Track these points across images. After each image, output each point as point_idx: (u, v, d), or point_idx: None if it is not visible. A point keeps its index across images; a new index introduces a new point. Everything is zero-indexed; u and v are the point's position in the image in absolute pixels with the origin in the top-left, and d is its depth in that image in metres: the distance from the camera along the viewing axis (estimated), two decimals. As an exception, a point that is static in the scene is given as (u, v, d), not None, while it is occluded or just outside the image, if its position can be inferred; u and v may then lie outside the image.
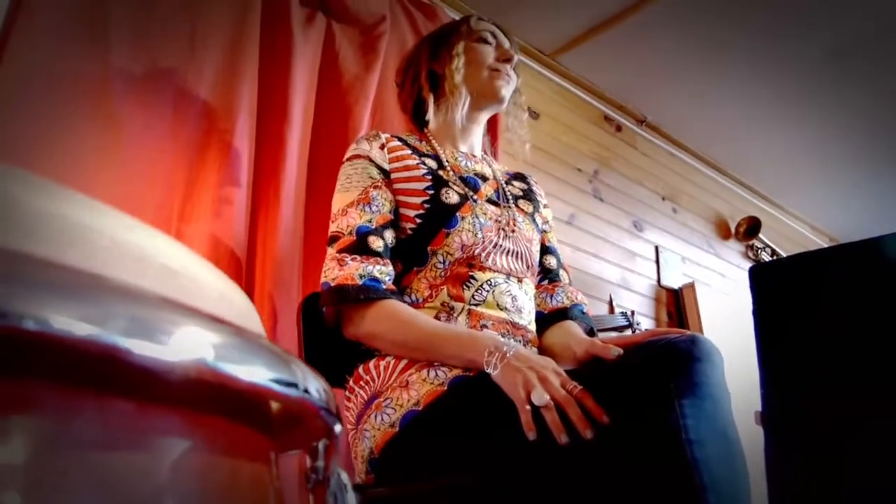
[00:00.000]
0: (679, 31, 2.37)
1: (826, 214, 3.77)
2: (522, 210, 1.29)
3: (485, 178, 1.28)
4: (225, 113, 1.55)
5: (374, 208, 1.15)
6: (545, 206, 1.41)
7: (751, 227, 3.26)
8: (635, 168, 2.85)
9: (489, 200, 1.24)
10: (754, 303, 2.47)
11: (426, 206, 1.17)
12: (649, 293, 2.68)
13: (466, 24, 1.34)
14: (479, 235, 1.16)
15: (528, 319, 1.19)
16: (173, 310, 0.27)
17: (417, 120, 1.36)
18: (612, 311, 2.46)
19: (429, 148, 1.29)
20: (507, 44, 1.35)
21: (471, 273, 1.14)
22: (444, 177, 1.22)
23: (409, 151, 1.24)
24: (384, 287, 1.07)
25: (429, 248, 1.14)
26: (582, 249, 2.44)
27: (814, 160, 3.17)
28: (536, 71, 2.50)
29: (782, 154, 3.15)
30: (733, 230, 3.27)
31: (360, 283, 1.05)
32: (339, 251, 1.10)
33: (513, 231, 1.21)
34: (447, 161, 1.26)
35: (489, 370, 0.92)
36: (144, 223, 0.36)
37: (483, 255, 1.15)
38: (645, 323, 2.55)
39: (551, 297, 1.29)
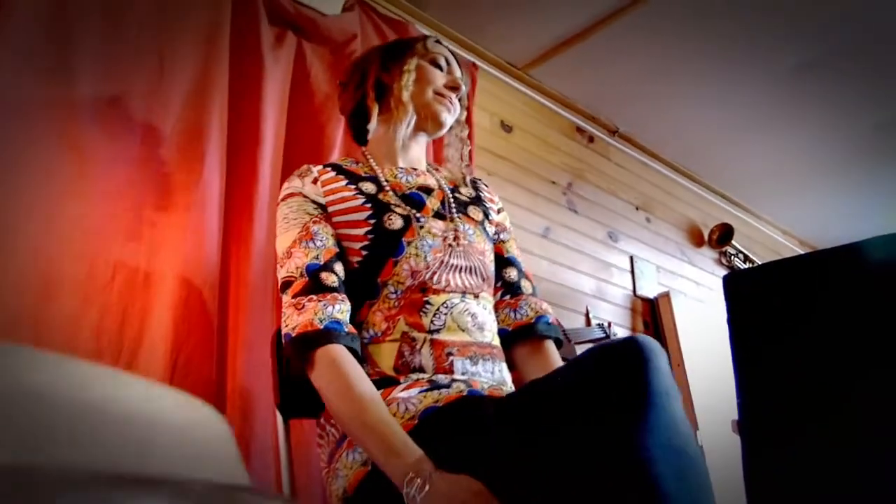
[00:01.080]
0: (649, 43, 2.41)
1: (798, 220, 3.86)
2: (471, 219, 1.27)
3: (429, 191, 1.26)
4: (194, 140, 1.55)
5: (318, 243, 1.14)
6: (499, 210, 1.39)
7: (723, 234, 3.32)
8: (609, 179, 2.88)
9: (436, 215, 1.23)
10: (728, 311, 2.50)
11: (369, 236, 1.16)
12: (625, 303, 2.71)
13: (423, 43, 1.34)
14: (429, 258, 1.15)
15: (490, 335, 1.19)
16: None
17: (354, 125, 1.36)
18: (588, 323, 2.48)
19: (367, 169, 1.28)
20: (458, 72, 1.36)
21: (425, 298, 1.14)
22: (385, 199, 1.20)
23: (344, 182, 1.22)
24: (345, 330, 1.06)
25: (378, 280, 1.14)
26: (558, 262, 2.47)
27: (785, 168, 3.25)
28: (508, 84, 2.52)
29: (754, 162, 3.22)
30: (706, 237, 3.33)
31: (321, 327, 1.04)
32: (295, 296, 1.09)
33: (461, 245, 1.20)
34: (386, 180, 1.25)
35: (408, 501, 0.86)
36: (101, 367, 0.35)
37: (435, 277, 1.15)
38: (621, 333, 2.58)
39: (515, 311, 1.28)
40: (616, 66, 2.56)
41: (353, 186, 1.21)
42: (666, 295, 2.80)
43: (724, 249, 3.36)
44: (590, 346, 2.38)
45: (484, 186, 1.42)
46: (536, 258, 2.36)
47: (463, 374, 1.10)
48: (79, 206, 1.38)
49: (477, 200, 1.34)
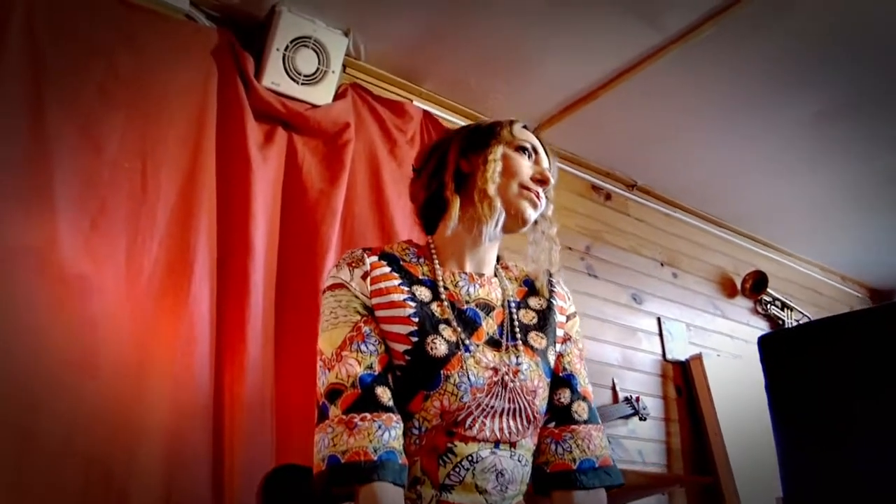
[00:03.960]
0: (665, 96, 2.32)
1: (834, 256, 3.67)
2: (531, 348, 1.13)
3: (489, 309, 1.15)
4: (181, 256, 1.51)
5: (370, 347, 1.04)
6: (569, 317, 1.24)
7: (757, 282, 3.16)
8: (629, 236, 2.77)
9: (489, 341, 1.10)
10: (766, 376, 2.32)
11: (407, 357, 1.05)
12: (654, 370, 2.58)
13: (509, 129, 1.22)
14: (466, 399, 1.03)
15: (516, 491, 1.08)
16: None
17: (425, 215, 1.25)
18: (615, 396, 2.36)
19: (427, 268, 1.16)
20: (546, 162, 1.24)
21: (449, 444, 1.03)
22: (437, 314, 1.09)
23: (398, 281, 1.11)
24: (399, 461, 0.97)
25: (406, 408, 1.04)
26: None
27: (815, 207, 3.11)
28: (516, 150, 2.43)
29: (782, 203, 3.09)
30: (739, 287, 3.18)
31: (375, 458, 0.95)
32: (346, 410, 0.99)
33: (509, 387, 1.07)
34: (445, 288, 1.13)
35: None
36: None
37: (467, 422, 1.04)
38: (652, 406, 2.45)
39: (557, 444, 1.13)
40: (629, 121, 2.47)
41: (405, 289, 1.10)
42: (698, 357, 2.66)
43: (759, 298, 3.20)
44: (617, 423, 2.25)
45: (560, 291, 1.27)
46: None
47: None
48: (67, 337, 1.34)
49: (545, 317, 1.19)
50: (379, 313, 1.08)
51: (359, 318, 1.07)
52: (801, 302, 3.41)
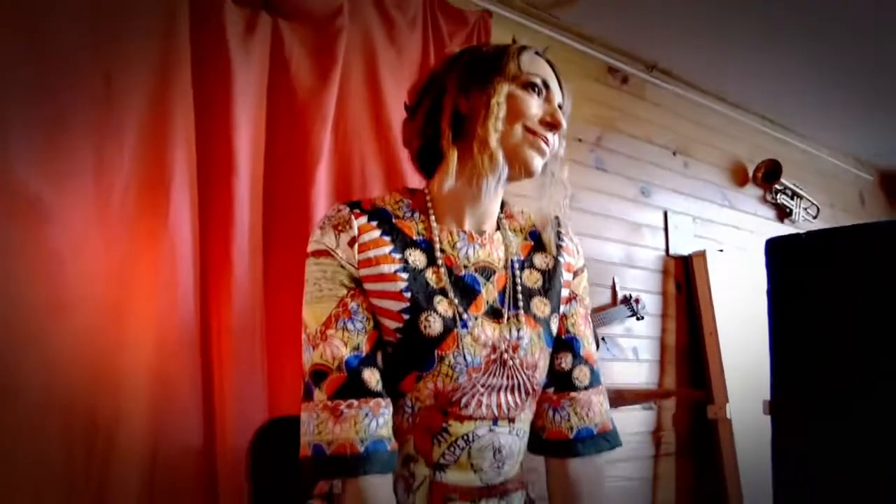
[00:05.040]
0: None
1: (853, 141, 3.51)
2: (534, 318, 1.04)
3: (490, 273, 1.04)
4: (156, 171, 1.36)
5: (357, 325, 0.96)
6: (577, 272, 1.14)
7: (770, 171, 3.03)
8: (643, 123, 2.59)
9: (489, 311, 1.01)
10: (769, 281, 2.30)
11: (398, 335, 0.97)
12: (656, 266, 2.53)
13: (516, 61, 1.03)
14: (462, 379, 0.96)
15: (514, 466, 1.04)
16: None
17: (421, 160, 1.11)
18: (614, 296, 2.32)
19: (423, 226, 1.04)
20: (559, 97, 1.06)
21: (444, 424, 0.98)
22: (432, 283, 0.99)
23: (388, 249, 0.99)
24: (388, 449, 0.93)
25: (397, 387, 0.98)
26: (583, 233, 2.26)
27: (840, 91, 2.89)
28: (529, 28, 2.19)
29: (800, 87, 2.86)
30: (751, 175, 3.04)
31: (362, 450, 0.90)
32: (331, 395, 0.92)
33: (508, 363, 1.00)
34: (442, 251, 1.02)
35: None
36: None
37: (462, 401, 0.98)
38: (650, 302, 2.42)
39: (555, 412, 1.08)
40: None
41: (397, 256, 0.99)
42: (701, 253, 2.60)
43: (770, 187, 3.08)
44: (616, 328, 2.23)
45: (568, 245, 1.14)
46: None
47: None
48: (38, 271, 1.23)
49: (550, 278, 1.09)
50: (368, 286, 0.98)
51: (345, 291, 0.97)
52: (812, 188, 3.29)
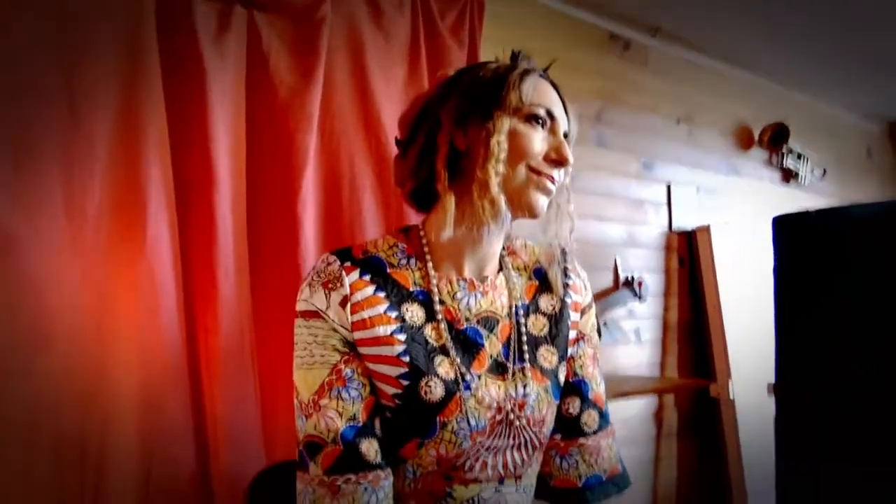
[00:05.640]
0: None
1: (867, 95, 3.38)
2: (540, 370, 0.99)
3: (493, 324, 0.97)
4: (131, 193, 1.28)
5: (352, 392, 0.90)
6: (584, 310, 1.08)
7: (776, 134, 2.94)
8: (645, 93, 2.48)
9: (493, 367, 0.96)
10: (776, 259, 2.22)
11: (397, 400, 0.91)
12: (659, 243, 2.46)
13: (517, 89, 0.92)
14: (465, 445, 0.91)
15: None
16: None
17: (415, 199, 1.03)
18: (616, 279, 2.26)
19: (419, 274, 0.97)
20: (564, 126, 0.96)
21: (448, 489, 0.93)
22: (432, 341, 0.93)
23: (384, 306, 0.92)
24: None
25: (397, 453, 0.93)
26: (583, 215, 2.18)
27: (845, 45, 2.75)
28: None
29: (812, 44, 2.73)
30: (756, 138, 2.94)
31: None
32: (327, 470, 0.87)
33: (518, 420, 0.95)
34: (441, 302, 0.95)
35: None
36: None
37: (468, 464, 0.93)
38: (652, 281, 2.36)
39: (562, 459, 1.04)
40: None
41: (393, 315, 0.92)
42: (705, 229, 2.53)
43: (777, 150, 2.98)
44: (619, 314, 2.18)
45: (575, 284, 1.08)
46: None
47: None
48: (9, 303, 1.16)
49: (557, 322, 1.03)
50: (363, 349, 0.91)
51: (338, 357, 0.91)
52: (818, 146, 3.20)
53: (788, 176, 3.13)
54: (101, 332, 1.24)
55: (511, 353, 0.97)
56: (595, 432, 1.06)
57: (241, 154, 1.42)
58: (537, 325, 1.01)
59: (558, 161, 0.94)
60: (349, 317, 0.90)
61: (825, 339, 1.85)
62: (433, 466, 0.92)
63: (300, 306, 0.94)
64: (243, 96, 1.43)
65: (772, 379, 2.05)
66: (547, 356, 1.00)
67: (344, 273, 0.92)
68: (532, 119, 0.93)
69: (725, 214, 2.69)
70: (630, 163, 2.40)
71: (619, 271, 2.27)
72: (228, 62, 1.40)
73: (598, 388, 1.08)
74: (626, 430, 2.23)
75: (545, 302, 1.04)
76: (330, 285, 0.92)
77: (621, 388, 1.86)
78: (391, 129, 1.57)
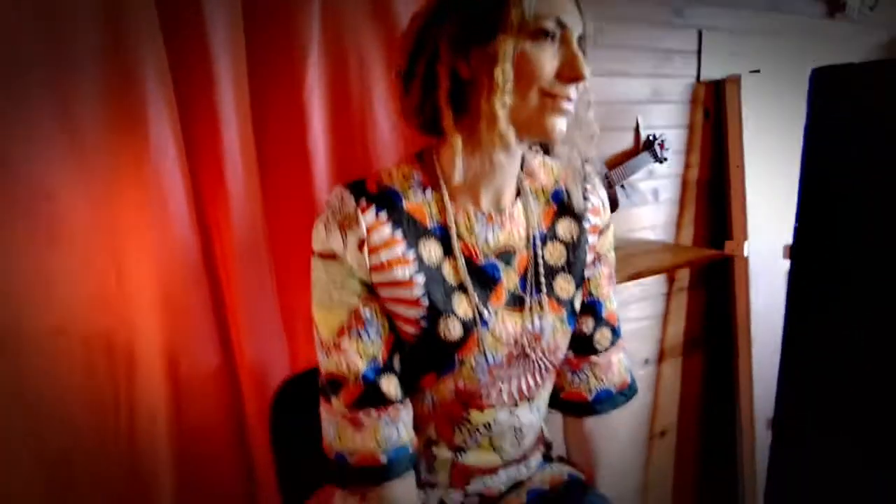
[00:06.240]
0: None
1: None
2: (557, 300, 1.00)
3: (510, 256, 0.97)
4: (128, 99, 1.21)
5: (371, 335, 0.93)
6: (602, 230, 1.07)
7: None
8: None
9: (511, 299, 0.96)
10: (809, 116, 2.18)
11: (416, 339, 0.94)
12: (684, 96, 2.34)
13: (519, 5, 0.83)
14: (483, 378, 0.96)
15: (533, 437, 1.07)
16: None
17: (428, 130, 0.98)
18: (637, 140, 2.18)
19: (436, 207, 0.94)
20: (578, 29, 0.87)
21: (465, 414, 0.99)
22: (450, 278, 0.93)
23: (401, 247, 0.91)
24: (410, 452, 0.95)
25: (418, 384, 0.97)
26: (605, 73, 2.06)
27: None
28: None
29: None
30: (804, -33, 2.65)
31: (384, 461, 0.92)
32: (349, 405, 0.92)
33: (533, 352, 0.98)
34: (459, 235, 0.94)
35: None
36: None
37: (483, 393, 0.97)
38: (675, 137, 2.29)
39: (574, 374, 1.10)
40: None
41: (411, 256, 0.92)
42: (735, 78, 2.38)
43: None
44: (638, 179, 2.13)
45: (594, 205, 1.06)
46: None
47: (477, 487, 1.02)
48: (14, 212, 1.16)
49: (574, 249, 1.02)
50: (382, 292, 0.92)
51: (356, 299, 0.92)
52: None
53: (835, 9, 2.87)
54: (113, 233, 1.25)
55: (528, 285, 0.98)
56: (607, 349, 1.09)
57: (241, 45, 1.32)
58: (555, 253, 1.01)
59: (574, 77, 0.87)
60: (367, 260, 0.91)
61: (853, 200, 1.82)
62: (451, 396, 0.96)
63: (316, 246, 0.94)
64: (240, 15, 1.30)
65: (788, 240, 2.05)
66: (564, 285, 1.01)
67: (360, 213, 0.91)
68: (540, 35, 0.85)
69: (760, 60, 2.52)
70: (659, 11, 2.20)
71: (641, 131, 2.18)
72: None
73: (611, 307, 1.10)
74: (638, 289, 2.29)
75: (563, 228, 1.02)
76: (346, 226, 0.91)
77: (634, 265, 1.87)
78: (400, 9, 1.44)
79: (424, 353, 0.94)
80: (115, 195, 1.24)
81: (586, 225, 1.04)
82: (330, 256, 0.93)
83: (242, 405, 1.40)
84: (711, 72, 2.39)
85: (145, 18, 1.19)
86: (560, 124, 0.89)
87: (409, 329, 0.94)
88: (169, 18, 1.23)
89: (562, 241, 1.02)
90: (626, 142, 2.17)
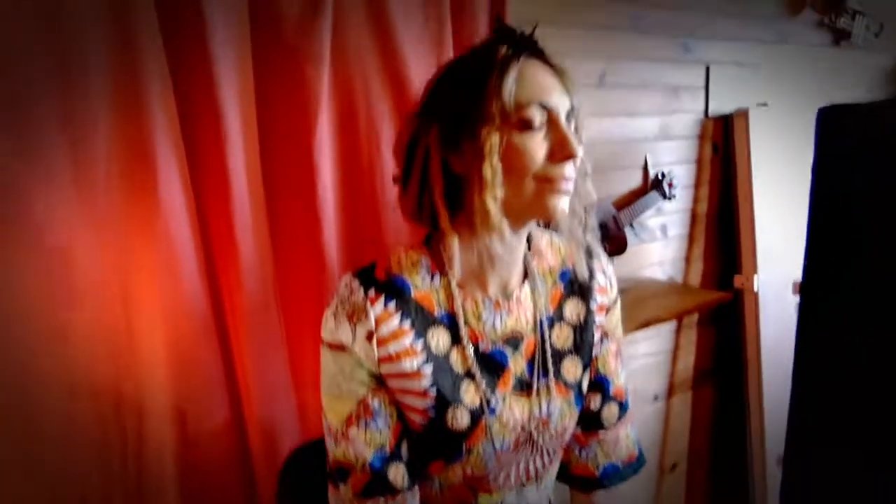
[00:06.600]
0: None
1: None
2: (564, 384, 0.98)
3: (518, 341, 0.96)
4: (138, 154, 1.21)
5: (379, 424, 0.92)
6: (609, 308, 1.06)
7: (833, -3, 2.64)
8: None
9: (517, 385, 0.95)
10: (816, 155, 2.16)
11: (424, 426, 0.93)
12: (692, 131, 2.33)
13: (500, 96, 0.82)
14: (491, 464, 0.95)
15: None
16: None
17: (428, 223, 0.97)
18: (645, 177, 2.17)
19: (443, 294, 0.93)
20: (565, 105, 0.87)
21: (473, 498, 0.99)
22: (457, 367, 0.92)
23: (409, 338, 0.90)
24: None
25: (426, 471, 0.96)
26: (614, 112, 2.06)
27: None
28: None
29: None
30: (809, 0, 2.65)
31: None
32: (357, 493, 0.92)
33: (541, 437, 0.97)
34: (466, 322, 0.93)
35: None
36: None
37: (491, 477, 0.96)
38: (683, 173, 2.28)
39: (581, 450, 1.09)
40: None
41: (419, 346, 0.91)
42: (743, 113, 2.38)
43: (831, 12, 2.71)
44: (646, 215, 2.12)
45: (601, 284, 1.04)
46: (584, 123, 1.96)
47: None
48: (34, 270, 1.15)
49: (582, 331, 1.01)
50: (390, 382, 0.91)
51: (365, 390, 0.91)
52: (876, 2, 2.89)
53: (840, 37, 2.87)
54: (124, 290, 1.24)
55: (535, 370, 0.97)
56: (614, 424, 1.08)
57: (251, 99, 1.32)
58: (562, 336, 1.00)
59: (566, 157, 0.85)
60: (376, 352, 0.89)
61: (861, 238, 1.80)
62: (459, 480, 0.96)
63: (326, 335, 0.93)
64: (248, 31, 1.29)
65: (797, 273, 2.04)
66: (571, 368, 1.00)
67: (369, 304, 0.89)
68: (525, 124, 0.84)
69: (768, 92, 2.51)
70: (668, 48, 2.20)
71: (650, 168, 2.18)
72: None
73: (619, 382, 1.09)
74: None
75: (570, 310, 1.01)
76: (355, 318, 0.90)
77: (643, 312, 1.86)
78: (410, 62, 1.44)
79: (432, 442, 0.93)
80: (127, 252, 1.23)
81: (593, 306, 1.02)
82: (339, 347, 0.92)
83: (251, 461, 1.39)
84: (719, 105, 2.38)
85: (157, 73, 1.19)
86: (562, 204, 0.88)
87: (417, 418, 0.92)
88: (178, 68, 1.22)
89: (569, 324, 1.01)
90: (635, 180, 2.17)
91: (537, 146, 0.85)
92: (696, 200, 2.38)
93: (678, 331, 2.41)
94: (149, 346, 1.27)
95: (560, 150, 0.85)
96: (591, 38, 1.96)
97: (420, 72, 1.46)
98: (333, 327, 0.91)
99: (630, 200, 2.10)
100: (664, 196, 2.15)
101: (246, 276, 1.33)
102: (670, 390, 2.45)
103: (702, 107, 2.34)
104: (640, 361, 2.31)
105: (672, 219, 2.32)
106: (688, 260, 2.39)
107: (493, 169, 0.83)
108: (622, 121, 2.09)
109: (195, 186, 1.28)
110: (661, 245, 2.29)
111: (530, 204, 0.87)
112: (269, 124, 1.35)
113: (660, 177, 2.16)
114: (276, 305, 1.39)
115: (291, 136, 1.36)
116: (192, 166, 1.27)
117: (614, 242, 2.01)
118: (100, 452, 1.24)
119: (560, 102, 0.87)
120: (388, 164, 1.45)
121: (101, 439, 1.24)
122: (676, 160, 2.28)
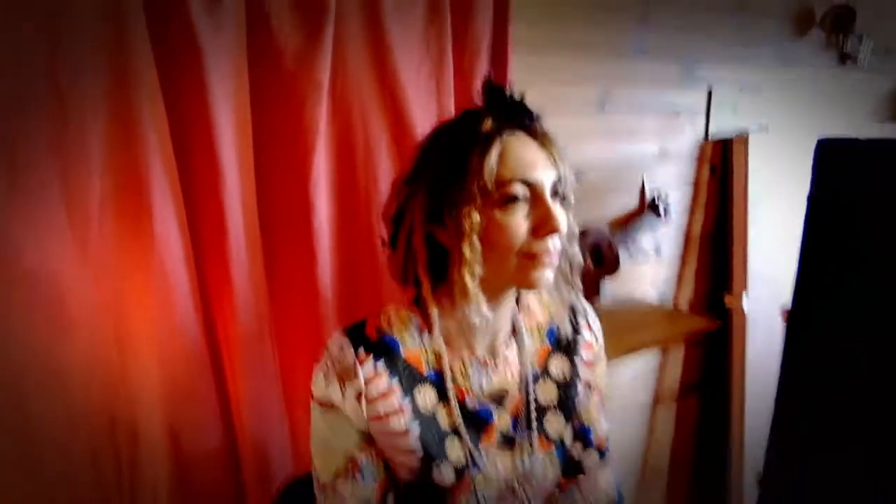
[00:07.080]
0: None
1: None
2: (546, 437, 1.01)
3: (503, 398, 0.99)
4: (133, 187, 1.21)
5: (366, 478, 0.95)
6: (594, 363, 1.09)
7: (838, 19, 2.61)
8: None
9: (502, 440, 0.98)
10: (813, 186, 2.19)
11: (410, 481, 0.97)
12: (691, 154, 2.34)
13: (481, 175, 0.83)
14: None
15: None
16: None
17: (414, 288, 1.00)
18: (642, 200, 2.18)
19: (432, 355, 0.96)
20: (550, 177, 0.87)
21: None
22: (443, 423, 0.95)
23: (397, 399, 0.93)
24: None
25: None
26: (614, 136, 2.06)
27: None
28: None
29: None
30: (818, 20, 2.63)
31: None
32: None
33: (523, 491, 0.99)
34: (454, 380, 0.96)
35: None
36: None
37: None
38: (680, 195, 2.29)
39: (561, 493, 1.11)
40: None
41: (406, 404, 0.94)
42: (743, 138, 2.37)
43: (839, 35, 2.69)
44: (641, 238, 2.14)
45: (586, 340, 1.07)
46: (584, 145, 1.97)
47: None
48: (27, 304, 1.17)
49: (566, 388, 1.03)
50: (378, 439, 0.95)
51: (353, 446, 0.94)
52: (883, 26, 2.87)
53: (845, 58, 2.85)
54: (119, 324, 1.26)
55: (519, 425, 0.99)
56: (593, 469, 1.11)
57: (247, 133, 1.32)
58: (546, 392, 1.02)
59: (549, 232, 0.87)
60: (365, 411, 0.93)
61: (850, 272, 1.82)
62: None
63: (316, 392, 0.96)
64: (245, 68, 1.29)
65: (788, 295, 2.06)
66: (554, 423, 1.02)
67: (358, 365, 0.92)
68: (507, 200, 0.85)
69: (770, 114, 2.51)
70: (669, 70, 2.19)
71: (647, 190, 2.18)
72: (224, 33, 1.24)
73: (600, 431, 1.11)
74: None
75: (556, 366, 1.04)
76: (345, 378, 0.93)
77: (630, 336, 1.88)
78: (408, 92, 1.44)
79: (419, 496, 0.96)
80: (120, 281, 1.24)
81: (578, 362, 1.05)
82: (328, 406, 0.95)
83: (245, 490, 1.42)
84: (719, 126, 2.38)
85: (149, 107, 1.19)
86: (546, 277, 0.90)
87: (404, 473, 0.96)
88: (175, 100, 1.23)
89: (554, 380, 1.04)
90: (632, 201, 2.17)
91: (520, 222, 0.86)
92: (690, 222, 2.39)
93: (666, 348, 2.44)
94: (143, 380, 1.28)
95: (543, 226, 0.86)
96: (592, 60, 1.95)
97: (420, 102, 1.47)
98: (324, 386, 0.94)
99: (625, 221, 2.11)
100: (659, 217, 2.16)
101: (240, 308, 1.35)
102: (656, 401, 2.49)
103: (702, 129, 2.34)
104: (629, 375, 2.34)
105: (666, 239, 2.33)
106: (680, 280, 2.41)
107: (472, 247, 0.85)
108: (621, 143, 2.09)
109: (190, 220, 1.29)
110: (654, 265, 2.31)
111: (513, 277, 0.89)
112: (266, 158, 1.35)
113: (656, 201, 2.17)
114: (270, 334, 1.41)
115: (288, 170, 1.36)
116: (187, 199, 1.28)
117: (607, 262, 2.03)
118: (94, 486, 1.27)
119: (544, 176, 0.88)
120: (385, 199, 1.46)
121: (95, 468, 1.27)
122: (673, 182, 2.28)
